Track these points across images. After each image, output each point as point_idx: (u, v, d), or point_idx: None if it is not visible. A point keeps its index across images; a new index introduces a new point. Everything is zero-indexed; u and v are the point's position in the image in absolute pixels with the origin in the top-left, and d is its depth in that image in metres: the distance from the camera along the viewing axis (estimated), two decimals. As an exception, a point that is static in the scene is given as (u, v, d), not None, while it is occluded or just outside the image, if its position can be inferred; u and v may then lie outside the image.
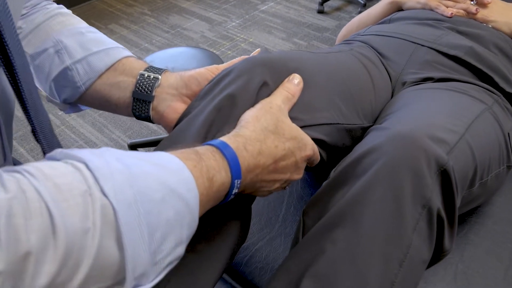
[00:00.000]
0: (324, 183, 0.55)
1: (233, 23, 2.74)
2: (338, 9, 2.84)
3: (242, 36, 2.61)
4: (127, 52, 0.66)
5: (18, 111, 2.05)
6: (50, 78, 0.63)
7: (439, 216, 0.49)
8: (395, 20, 0.95)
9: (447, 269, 0.71)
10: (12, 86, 0.44)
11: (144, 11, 2.93)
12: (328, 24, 2.66)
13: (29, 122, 0.49)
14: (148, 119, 0.64)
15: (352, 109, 0.66)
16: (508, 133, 0.71)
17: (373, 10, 1.07)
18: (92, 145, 1.87)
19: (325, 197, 0.53)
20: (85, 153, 0.35)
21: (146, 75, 0.62)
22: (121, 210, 0.33)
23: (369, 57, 0.79)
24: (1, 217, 0.27)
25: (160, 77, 0.63)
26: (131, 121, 1.99)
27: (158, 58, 1.58)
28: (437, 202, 0.48)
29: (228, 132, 0.49)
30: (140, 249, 0.34)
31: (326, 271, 0.46)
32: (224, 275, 0.79)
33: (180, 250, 0.39)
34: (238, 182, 0.46)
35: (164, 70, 0.64)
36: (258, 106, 0.53)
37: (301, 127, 0.55)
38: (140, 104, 0.62)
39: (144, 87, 0.62)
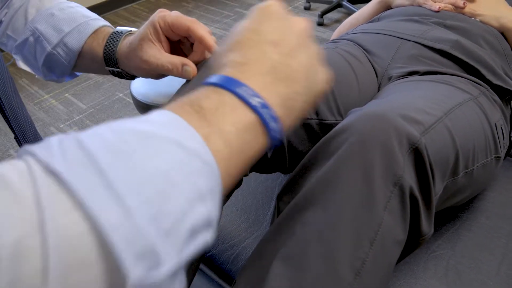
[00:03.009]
0: (297, 167, 0.54)
1: (234, 37, 2.77)
2: (337, 21, 2.86)
3: (242, 48, 2.63)
4: (98, 23, 0.67)
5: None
6: (40, 64, 0.67)
7: (412, 195, 0.48)
8: (383, 18, 0.95)
9: (437, 265, 0.69)
10: None
11: (146, 27, 2.97)
12: (327, 36, 2.68)
13: (11, 129, 0.51)
14: (120, 74, 0.67)
15: (333, 105, 0.66)
16: (495, 124, 0.70)
17: (364, 11, 1.08)
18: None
19: (297, 180, 0.52)
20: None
21: (112, 32, 0.66)
22: (68, 170, 0.23)
23: (353, 54, 0.79)
24: None
25: (126, 30, 0.66)
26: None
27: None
28: (409, 181, 0.47)
29: None
30: (123, 216, 0.23)
31: (296, 253, 0.45)
32: (210, 273, 0.78)
33: (204, 209, 0.27)
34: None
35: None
36: None
37: None
38: (111, 51, 0.65)
39: (111, 42, 0.65)
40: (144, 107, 1.05)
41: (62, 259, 0.22)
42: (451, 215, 0.77)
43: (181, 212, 0.26)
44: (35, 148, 0.25)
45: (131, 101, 1.50)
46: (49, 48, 0.65)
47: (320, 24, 2.80)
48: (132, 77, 0.68)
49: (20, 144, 0.52)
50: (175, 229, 0.25)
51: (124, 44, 0.64)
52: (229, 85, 0.33)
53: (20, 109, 0.55)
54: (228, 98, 0.33)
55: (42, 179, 0.23)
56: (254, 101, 0.33)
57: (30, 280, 0.21)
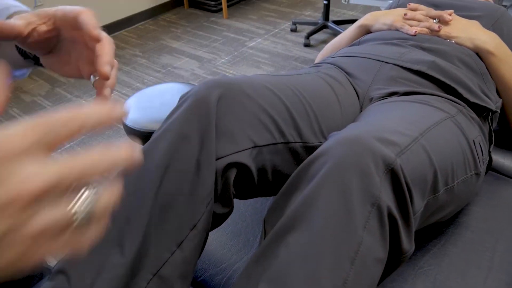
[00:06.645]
0: (280, 190, 0.56)
1: (222, 60, 2.81)
2: (324, 41, 2.92)
3: (231, 71, 2.67)
4: (13, 9, 0.57)
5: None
6: None
7: (390, 215, 0.49)
8: (363, 42, 0.99)
9: (426, 281, 0.70)
10: None
11: (135, 53, 3.01)
12: (314, 56, 2.73)
13: None
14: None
15: (316, 128, 0.68)
16: (474, 141, 0.72)
17: (345, 35, 1.11)
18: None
19: (281, 203, 0.54)
20: None
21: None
22: None
23: (335, 77, 0.82)
24: None
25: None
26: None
27: (145, 94, 1.62)
28: (386, 201, 0.49)
29: None
30: None
31: (280, 274, 0.47)
32: (202, 298, 0.78)
33: None
34: None
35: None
36: None
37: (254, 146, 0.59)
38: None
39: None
40: (135, 134, 1.06)
41: None
42: (437, 230, 0.78)
43: None
44: None
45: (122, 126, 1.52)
46: None
47: (306, 45, 2.86)
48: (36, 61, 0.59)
49: None
50: None
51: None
52: None
53: None
54: None
55: None
56: None
57: None
